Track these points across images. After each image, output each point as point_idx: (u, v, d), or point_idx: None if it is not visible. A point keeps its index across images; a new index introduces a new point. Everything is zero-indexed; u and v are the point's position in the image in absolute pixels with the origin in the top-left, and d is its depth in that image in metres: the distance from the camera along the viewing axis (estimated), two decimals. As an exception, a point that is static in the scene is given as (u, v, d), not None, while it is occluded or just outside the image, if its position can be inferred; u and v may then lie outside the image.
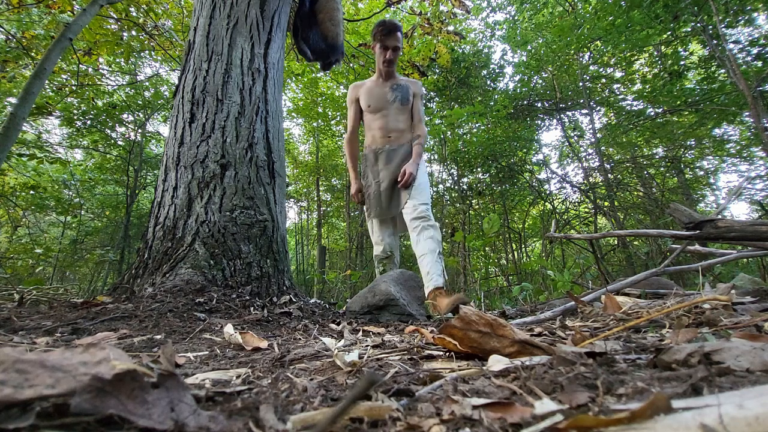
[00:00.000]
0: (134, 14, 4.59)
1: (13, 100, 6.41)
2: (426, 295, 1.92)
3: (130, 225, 8.05)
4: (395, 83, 2.30)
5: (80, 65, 4.83)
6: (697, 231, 1.35)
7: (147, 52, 5.44)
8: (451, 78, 7.99)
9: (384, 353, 0.66)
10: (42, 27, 5.28)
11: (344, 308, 1.46)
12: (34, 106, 3.39)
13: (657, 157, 8.07)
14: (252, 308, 1.28)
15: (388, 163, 2.24)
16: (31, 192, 6.62)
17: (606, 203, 7.06)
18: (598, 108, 8.32)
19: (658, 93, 6.17)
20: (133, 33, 4.77)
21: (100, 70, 6.31)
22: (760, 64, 5.19)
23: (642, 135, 7.75)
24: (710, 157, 7.97)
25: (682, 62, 6.43)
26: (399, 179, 2.09)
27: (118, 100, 7.72)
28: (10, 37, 4.72)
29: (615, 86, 8.17)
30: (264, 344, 0.78)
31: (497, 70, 8.67)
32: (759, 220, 1.30)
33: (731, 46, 5.13)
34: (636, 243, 6.47)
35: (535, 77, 7.99)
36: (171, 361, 0.56)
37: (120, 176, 8.62)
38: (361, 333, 0.97)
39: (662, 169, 7.89)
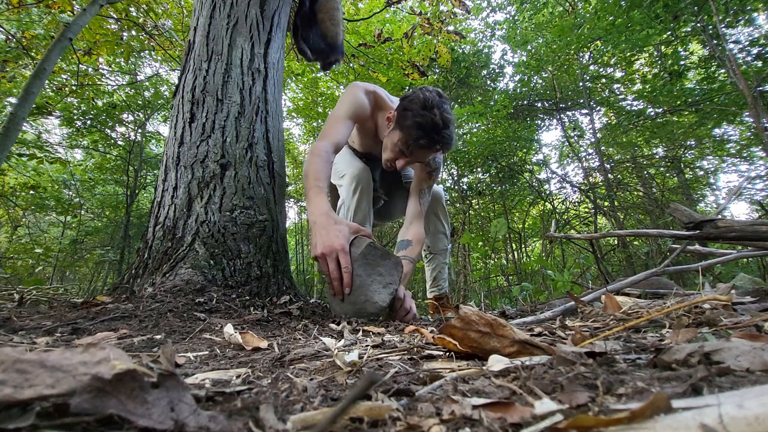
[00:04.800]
0: (134, 14, 4.59)
1: (13, 100, 6.40)
2: (428, 296, 1.95)
3: (130, 225, 8.05)
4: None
5: (80, 65, 4.83)
6: (697, 231, 1.35)
7: (147, 52, 5.44)
8: (451, 78, 7.99)
9: (384, 353, 0.66)
10: (42, 27, 5.28)
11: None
12: (34, 106, 3.39)
13: (657, 157, 8.08)
14: (252, 308, 1.28)
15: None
16: (31, 192, 6.62)
17: (606, 203, 7.06)
18: (598, 108, 8.32)
19: (658, 93, 6.18)
20: (133, 33, 4.77)
21: (100, 70, 6.31)
22: (760, 64, 5.20)
23: (642, 135, 7.75)
24: (710, 157, 7.97)
25: (682, 62, 6.43)
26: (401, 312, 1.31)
27: (118, 100, 7.72)
28: (10, 37, 4.72)
29: (615, 86, 8.18)
30: (264, 344, 0.78)
31: (497, 70, 8.68)
32: (759, 220, 1.30)
33: (731, 46, 5.13)
34: (636, 243, 6.47)
35: (535, 77, 7.99)
36: (171, 361, 0.56)
37: (120, 176, 8.61)
38: (361, 333, 0.97)
39: (662, 169, 7.89)
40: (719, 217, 1.35)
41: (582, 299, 1.10)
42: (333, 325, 1.10)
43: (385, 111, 1.61)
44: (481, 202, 8.67)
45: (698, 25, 5.44)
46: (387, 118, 1.54)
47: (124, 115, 8.14)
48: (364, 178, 1.65)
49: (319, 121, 9.13)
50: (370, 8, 6.07)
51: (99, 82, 6.41)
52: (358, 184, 1.63)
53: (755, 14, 5.13)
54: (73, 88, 5.68)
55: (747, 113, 5.58)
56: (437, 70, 7.87)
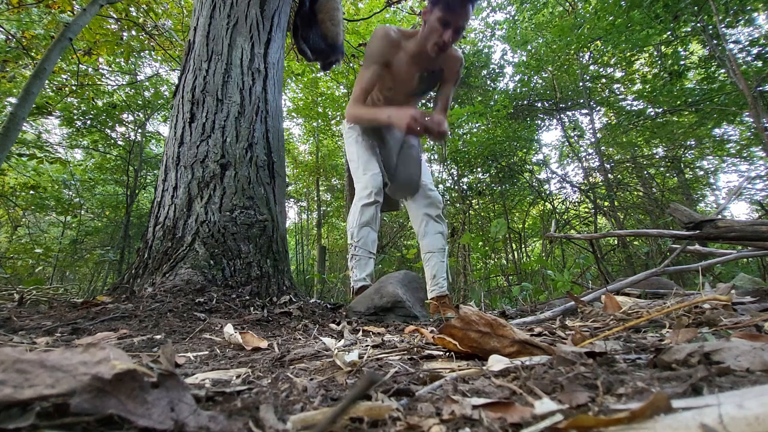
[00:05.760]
0: (134, 14, 4.59)
1: (13, 100, 6.40)
2: (428, 296, 1.95)
3: (130, 225, 8.04)
4: (430, 69, 1.92)
5: (80, 65, 4.84)
6: (697, 231, 1.35)
7: (147, 52, 5.44)
8: (451, 78, 7.96)
9: (384, 353, 0.66)
10: (42, 27, 5.28)
11: (346, 307, 1.44)
12: (34, 106, 3.39)
13: (657, 157, 8.07)
14: (252, 308, 1.28)
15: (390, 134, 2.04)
16: (31, 192, 6.62)
17: (606, 203, 7.05)
18: (598, 108, 8.31)
19: (658, 93, 6.17)
20: (133, 33, 4.78)
21: (100, 70, 6.31)
22: (760, 64, 5.19)
23: (642, 135, 7.74)
24: (710, 157, 7.97)
25: (682, 62, 6.42)
26: (430, 130, 1.59)
27: (118, 100, 7.72)
28: (10, 37, 4.72)
29: (615, 86, 8.17)
30: (264, 344, 0.78)
31: (497, 70, 8.67)
32: (759, 220, 1.30)
33: (731, 46, 5.13)
34: (636, 243, 6.47)
35: (535, 77, 7.98)
36: (171, 361, 0.56)
37: (120, 176, 8.61)
38: (361, 333, 0.97)
39: (662, 169, 7.89)
40: (719, 217, 1.35)
41: (582, 299, 1.10)
42: (333, 325, 1.10)
43: (413, 35, 1.87)
44: (481, 202, 8.66)
45: (698, 25, 5.43)
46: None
47: (124, 115, 8.14)
48: (377, 185, 1.88)
49: (319, 121, 9.13)
50: (370, 8, 6.07)
51: (99, 82, 6.42)
52: (371, 192, 1.84)
53: (755, 14, 5.13)
54: (73, 88, 5.69)
55: (747, 113, 5.58)
56: (437, 70, 7.84)
